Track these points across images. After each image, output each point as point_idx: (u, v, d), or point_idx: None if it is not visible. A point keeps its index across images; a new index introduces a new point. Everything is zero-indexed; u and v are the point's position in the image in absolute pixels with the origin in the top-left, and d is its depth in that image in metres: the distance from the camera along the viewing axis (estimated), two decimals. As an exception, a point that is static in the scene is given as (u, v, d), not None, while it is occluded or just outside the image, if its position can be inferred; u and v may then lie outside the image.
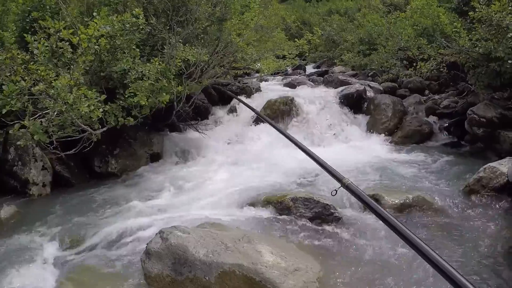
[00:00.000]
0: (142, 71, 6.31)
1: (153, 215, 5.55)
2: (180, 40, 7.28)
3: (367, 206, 2.01)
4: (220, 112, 10.27)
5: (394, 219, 1.98)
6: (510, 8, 6.98)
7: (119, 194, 6.54)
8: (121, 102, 6.26)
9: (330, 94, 10.52)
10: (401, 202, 5.36)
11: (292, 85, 12.93)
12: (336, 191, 2.61)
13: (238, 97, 9.79)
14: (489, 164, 5.77)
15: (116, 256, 4.51)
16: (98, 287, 3.86)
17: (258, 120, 9.54)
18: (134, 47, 6.48)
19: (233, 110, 10.19)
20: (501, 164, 5.71)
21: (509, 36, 6.78)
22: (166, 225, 4.49)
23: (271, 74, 12.05)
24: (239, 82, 11.11)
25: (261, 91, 11.47)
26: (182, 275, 3.73)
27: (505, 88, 7.69)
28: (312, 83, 13.44)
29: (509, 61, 6.81)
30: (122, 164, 7.60)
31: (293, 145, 8.56)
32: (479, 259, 4.15)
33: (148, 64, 6.49)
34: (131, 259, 4.39)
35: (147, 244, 4.03)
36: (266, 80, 14.41)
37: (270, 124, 6.09)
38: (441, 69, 9.97)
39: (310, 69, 20.09)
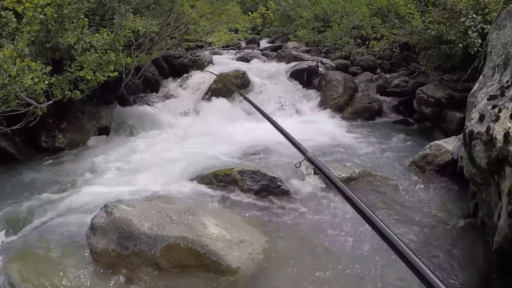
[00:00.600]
0: (90, 42, 6.13)
1: (100, 190, 5.46)
2: (130, 10, 7.08)
3: (327, 179, 2.09)
4: (171, 85, 10.15)
5: (352, 194, 2.03)
6: (465, -7, 7.21)
7: (67, 169, 6.41)
8: (68, 74, 6.05)
9: (283, 69, 10.59)
10: (347, 175, 5.50)
11: (245, 59, 12.93)
12: (300, 163, 2.82)
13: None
14: (435, 141, 5.99)
15: (62, 233, 4.39)
16: (44, 266, 3.77)
17: (210, 94, 9.52)
18: (82, 16, 6.22)
19: (184, 83, 10.08)
20: (446, 142, 5.93)
21: (461, 20, 7.01)
22: (113, 200, 4.44)
23: (223, 47, 11.98)
24: (191, 54, 10.98)
25: (213, 64, 11.38)
26: (128, 249, 3.72)
27: (455, 71, 7.97)
28: (265, 57, 13.48)
29: (460, 45, 7.06)
30: (69, 138, 7.41)
31: (244, 119, 8.68)
32: (417, 230, 4.33)
33: (96, 34, 6.30)
34: (77, 235, 4.28)
35: (92, 219, 3.96)
36: (219, 54, 14.33)
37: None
38: (394, 49, 10.21)
39: (264, 43, 20.06)
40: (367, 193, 5.24)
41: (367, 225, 4.02)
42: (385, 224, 1.76)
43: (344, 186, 1.98)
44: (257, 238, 4.03)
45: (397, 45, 10.00)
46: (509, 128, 3.31)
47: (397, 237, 1.67)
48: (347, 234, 4.33)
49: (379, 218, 1.85)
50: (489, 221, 3.98)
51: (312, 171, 5.62)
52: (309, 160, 2.73)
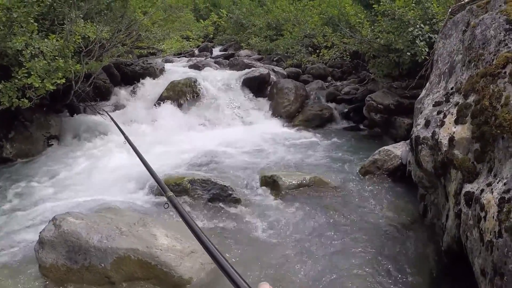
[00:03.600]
0: (39, 48, 5.92)
1: (49, 202, 5.31)
2: (81, 15, 6.91)
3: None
4: (122, 92, 9.96)
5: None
6: (413, 4, 7.44)
7: (14, 180, 6.17)
8: (16, 81, 5.82)
9: (234, 77, 10.59)
10: (298, 182, 5.54)
11: (197, 67, 12.87)
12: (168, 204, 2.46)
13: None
14: (384, 147, 6.14)
15: (9, 248, 4.22)
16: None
17: (160, 102, 9.42)
18: (32, 21, 6.00)
19: (135, 91, 9.93)
20: (395, 147, 6.09)
21: (410, 30, 7.24)
22: (62, 212, 4.29)
23: (176, 55, 11.88)
24: (143, 62, 10.82)
25: (165, 72, 11.26)
26: (78, 263, 3.60)
27: (403, 78, 8.21)
28: (217, 65, 13.46)
29: (408, 53, 7.28)
30: (17, 148, 7.13)
31: (195, 127, 8.62)
32: (369, 234, 4.40)
33: (46, 40, 6.10)
34: (26, 250, 4.14)
35: (40, 232, 3.81)
36: (171, 61, 14.20)
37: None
38: (344, 57, 10.42)
39: (217, 51, 20.07)
40: (318, 199, 5.29)
41: (314, 227, 4.07)
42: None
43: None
44: (209, 248, 3.97)
45: (347, 53, 10.21)
46: (454, 132, 3.42)
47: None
48: (296, 238, 4.36)
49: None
50: (438, 222, 4.10)
51: (261, 180, 5.65)
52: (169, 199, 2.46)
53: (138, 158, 3.07)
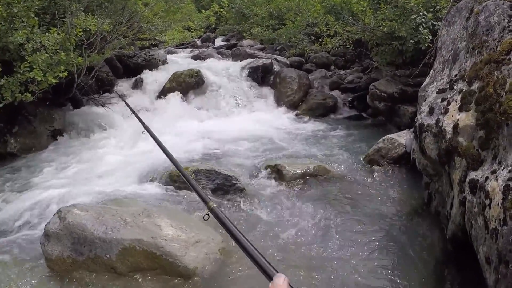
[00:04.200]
0: (40, 42, 5.91)
1: (55, 195, 5.29)
2: (81, 8, 6.89)
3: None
4: (125, 84, 9.95)
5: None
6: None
7: (19, 175, 6.19)
8: (18, 76, 5.80)
9: (237, 67, 10.55)
10: (302, 171, 5.54)
11: (200, 58, 12.85)
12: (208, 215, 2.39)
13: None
14: (388, 135, 6.12)
15: (16, 241, 4.24)
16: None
17: (163, 93, 9.41)
18: (33, 15, 5.97)
19: (138, 83, 9.92)
20: (399, 135, 6.07)
21: (413, 17, 7.19)
22: (67, 204, 4.31)
23: (178, 46, 11.85)
24: (145, 54, 10.80)
25: (167, 63, 11.24)
26: (83, 255, 3.62)
27: (407, 66, 8.16)
28: (220, 56, 13.44)
29: (411, 41, 7.23)
30: (22, 143, 7.12)
31: (199, 118, 8.61)
32: (374, 222, 4.41)
33: (47, 34, 6.08)
34: (32, 242, 4.15)
35: (46, 225, 3.84)
36: (174, 52, 14.17)
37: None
38: (347, 46, 10.36)
39: (219, 42, 19.98)
40: (323, 187, 5.29)
41: (319, 216, 4.07)
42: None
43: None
44: (213, 238, 4.00)
45: (350, 42, 10.16)
46: (458, 120, 3.40)
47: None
48: (300, 227, 4.37)
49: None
50: (442, 210, 4.09)
51: (265, 169, 5.64)
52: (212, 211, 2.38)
53: (166, 156, 2.98)
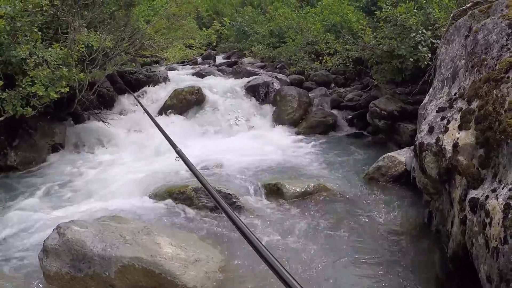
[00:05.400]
0: (43, 56, 5.95)
1: (54, 210, 5.32)
2: (84, 24, 6.95)
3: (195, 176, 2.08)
4: (126, 101, 9.98)
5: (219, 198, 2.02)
6: (414, 10, 7.45)
7: (18, 188, 6.16)
8: (20, 89, 5.83)
9: (238, 85, 10.60)
10: (302, 190, 5.53)
11: (200, 75, 12.89)
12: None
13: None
14: (388, 153, 6.12)
15: (14, 256, 4.23)
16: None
17: (164, 110, 9.46)
18: (36, 30, 6.02)
19: (139, 99, 9.95)
20: (399, 154, 6.08)
21: (412, 35, 7.24)
22: (66, 220, 4.30)
23: (179, 63, 11.95)
24: (146, 70, 10.87)
25: (169, 80, 11.30)
26: (82, 272, 3.59)
27: (406, 84, 8.19)
28: (220, 73, 13.48)
29: (411, 59, 7.27)
30: (22, 156, 7.13)
31: (199, 135, 8.63)
32: (374, 241, 4.39)
33: (50, 49, 6.13)
34: (30, 258, 4.14)
35: (44, 241, 3.82)
36: (175, 69, 14.26)
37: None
38: (347, 64, 10.41)
39: (220, 59, 20.10)
40: (323, 206, 5.27)
41: (320, 235, 4.06)
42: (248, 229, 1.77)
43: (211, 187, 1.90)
44: (213, 256, 3.98)
45: (350, 60, 10.22)
46: (458, 138, 3.41)
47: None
48: (301, 247, 4.33)
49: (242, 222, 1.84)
50: (443, 228, 4.08)
51: (265, 187, 5.66)
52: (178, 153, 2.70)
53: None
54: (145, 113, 5.54)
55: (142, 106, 5.98)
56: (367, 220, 4.88)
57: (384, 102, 8.07)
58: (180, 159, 3.30)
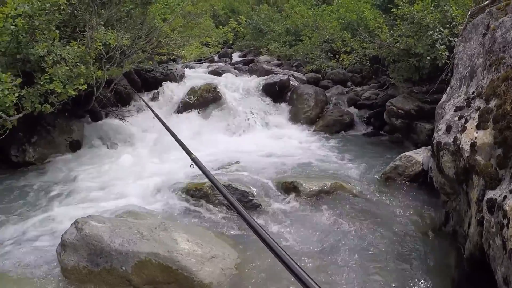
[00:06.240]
0: (61, 54, 6.04)
1: (71, 205, 5.42)
2: (101, 23, 7.03)
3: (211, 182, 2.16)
4: (143, 98, 10.06)
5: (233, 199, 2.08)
6: (431, 8, 7.39)
7: (36, 183, 6.28)
8: (38, 87, 5.92)
9: (254, 83, 10.60)
10: (318, 188, 5.52)
11: (217, 73, 12.92)
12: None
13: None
14: (405, 153, 6.08)
15: (32, 249, 4.32)
16: (12, 282, 3.69)
17: (181, 108, 9.50)
18: (53, 28, 6.12)
19: (156, 97, 10.03)
20: (416, 153, 6.04)
21: (429, 34, 7.19)
22: (84, 215, 4.36)
23: (196, 61, 11.98)
24: (163, 68, 10.93)
25: (185, 78, 11.35)
26: (99, 266, 3.66)
27: (424, 83, 8.13)
28: (237, 71, 13.49)
29: (428, 57, 7.22)
30: (40, 152, 7.27)
31: (216, 133, 8.66)
32: (390, 241, 4.37)
33: (67, 47, 6.21)
34: (48, 252, 4.22)
35: (62, 235, 3.90)
36: (191, 67, 14.30)
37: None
38: (364, 62, 10.36)
39: (236, 57, 20.13)
40: (339, 205, 5.26)
41: (336, 234, 4.05)
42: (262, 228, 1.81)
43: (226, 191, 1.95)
44: (229, 253, 4.00)
45: (367, 58, 10.17)
46: (475, 138, 3.38)
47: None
48: (318, 245, 4.34)
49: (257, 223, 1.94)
50: (460, 229, 4.05)
51: (282, 185, 5.65)
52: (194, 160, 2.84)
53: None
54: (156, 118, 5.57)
55: (153, 111, 5.98)
56: (383, 220, 4.86)
57: (401, 101, 8.03)
58: (195, 165, 3.27)
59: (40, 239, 4.57)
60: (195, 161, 3.41)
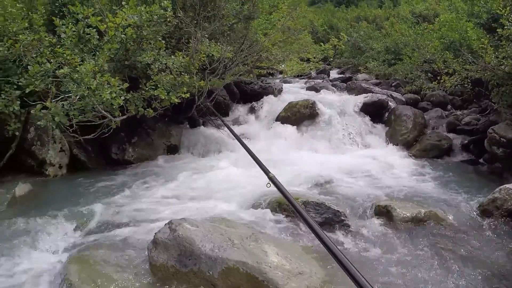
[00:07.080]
0: (166, 63, 6.35)
1: (164, 205, 5.64)
2: (206, 35, 7.31)
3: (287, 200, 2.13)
4: (240, 110, 10.31)
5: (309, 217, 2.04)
6: (542, 28, 6.88)
7: (134, 181, 6.65)
8: (143, 92, 6.29)
9: (352, 101, 10.40)
10: (412, 215, 5.28)
11: (314, 89, 12.88)
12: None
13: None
14: (505, 185, 5.65)
15: (124, 242, 4.57)
16: (102, 270, 3.89)
17: (278, 122, 9.57)
18: (160, 38, 6.52)
19: (253, 109, 10.20)
20: (517, 186, 5.60)
21: (538, 57, 6.68)
22: (176, 216, 4.52)
23: (294, 76, 12.05)
24: (262, 81, 11.11)
25: (283, 92, 11.44)
26: (187, 267, 3.76)
27: (530, 110, 7.57)
28: (334, 88, 13.36)
29: (535, 83, 6.70)
30: (139, 153, 7.72)
31: (312, 149, 8.60)
32: (481, 280, 4.08)
33: (172, 56, 6.53)
34: (138, 246, 4.42)
35: (156, 233, 4.07)
36: (289, 82, 14.41)
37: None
38: (465, 85, 9.85)
39: (334, 74, 20.00)
40: (432, 236, 4.99)
41: (425, 267, 3.83)
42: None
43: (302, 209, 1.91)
44: (316, 271, 3.93)
45: (469, 81, 9.64)
46: None
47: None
48: (402, 274, 4.15)
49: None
50: None
51: (375, 208, 5.49)
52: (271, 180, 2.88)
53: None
54: (236, 139, 5.66)
55: (232, 131, 6.12)
56: (477, 255, 4.55)
57: (504, 128, 7.48)
58: (271, 184, 3.31)
59: (132, 232, 4.81)
60: (272, 180, 3.39)
